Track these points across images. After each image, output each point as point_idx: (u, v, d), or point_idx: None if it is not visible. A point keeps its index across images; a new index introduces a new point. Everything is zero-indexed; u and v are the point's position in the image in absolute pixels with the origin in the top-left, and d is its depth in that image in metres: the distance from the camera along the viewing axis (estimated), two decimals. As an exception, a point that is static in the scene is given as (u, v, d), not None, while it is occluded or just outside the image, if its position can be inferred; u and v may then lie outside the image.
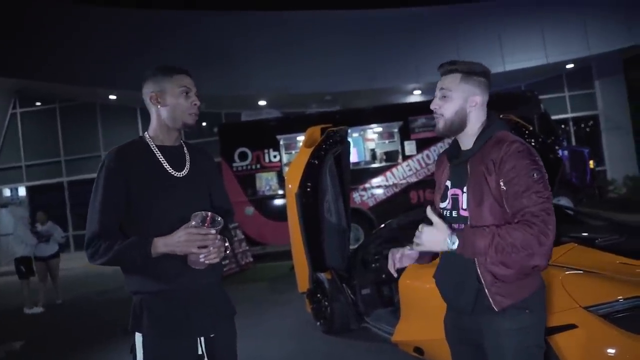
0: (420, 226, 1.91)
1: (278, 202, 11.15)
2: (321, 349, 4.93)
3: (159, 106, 2.01)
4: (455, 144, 2.12)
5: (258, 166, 11.57)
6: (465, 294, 1.99)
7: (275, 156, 11.64)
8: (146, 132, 2.07)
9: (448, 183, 2.08)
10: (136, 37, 15.94)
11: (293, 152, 12.04)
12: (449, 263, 2.11)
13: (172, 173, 2.00)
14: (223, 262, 2.03)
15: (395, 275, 2.18)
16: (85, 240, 1.92)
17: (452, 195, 2.05)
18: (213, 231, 1.86)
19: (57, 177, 18.64)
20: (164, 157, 2.01)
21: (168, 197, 1.96)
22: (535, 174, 1.84)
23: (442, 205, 2.08)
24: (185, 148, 2.10)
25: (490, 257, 1.83)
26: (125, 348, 5.79)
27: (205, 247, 1.85)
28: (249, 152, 11.54)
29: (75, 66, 15.62)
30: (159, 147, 2.02)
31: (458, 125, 2.02)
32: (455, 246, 1.85)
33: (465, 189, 1.99)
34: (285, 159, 11.65)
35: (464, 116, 2.01)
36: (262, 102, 17.59)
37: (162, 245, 1.85)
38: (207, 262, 1.88)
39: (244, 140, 11.54)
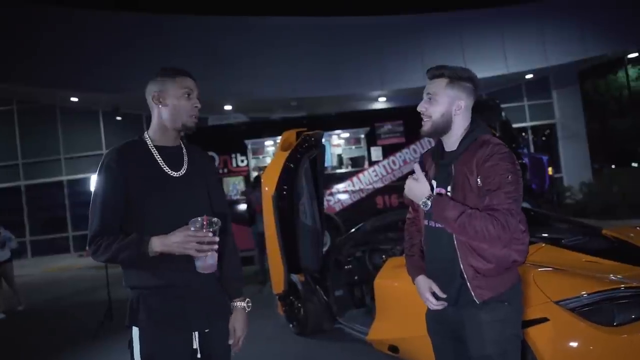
0: (417, 173, 2.12)
1: (245, 206, 11.13)
2: (295, 350, 4.98)
3: (160, 106, 2.04)
4: (439, 145, 2.24)
5: (225, 171, 11.55)
6: (450, 289, 2.12)
7: (242, 161, 11.65)
8: (146, 132, 2.10)
9: (434, 182, 2.19)
10: (99, 40, 15.66)
11: (261, 157, 12.08)
12: (434, 263, 2.23)
13: (169, 173, 2.04)
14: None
15: (439, 305, 2.19)
16: (88, 238, 1.95)
17: (437, 193, 2.16)
18: (210, 234, 1.89)
19: (14, 181, 18.08)
20: (161, 157, 2.04)
21: (164, 197, 2.00)
22: (510, 177, 1.97)
23: None
24: (184, 149, 2.14)
25: (453, 228, 2.02)
26: (92, 354, 5.70)
27: (202, 250, 1.89)
28: (216, 157, 11.50)
29: (35, 67, 15.22)
30: (157, 147, 2.06)
31: (443, 127, 2.14)
32: (427, 208, 2.06)
33: (449, 189, 2.12)
34: (252, 163, 11.68)
35: (449, 119, 2.13)
36: (228, 107, 17.54)
37: (159, 244, 1.88)
38: (213, 264, 1.94)
39: (211, 145, 11.45)
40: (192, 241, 1.86)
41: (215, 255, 1.94)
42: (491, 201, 1.96)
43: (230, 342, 2.18)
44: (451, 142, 2.17)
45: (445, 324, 2.22)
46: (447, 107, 2.12)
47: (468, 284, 2.05)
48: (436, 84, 2.14)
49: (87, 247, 1.97)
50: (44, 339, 6.63)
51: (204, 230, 1.88)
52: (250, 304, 2.25)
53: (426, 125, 2.17)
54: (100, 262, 1.99)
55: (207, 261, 1.92)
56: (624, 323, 2.70)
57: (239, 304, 2.21)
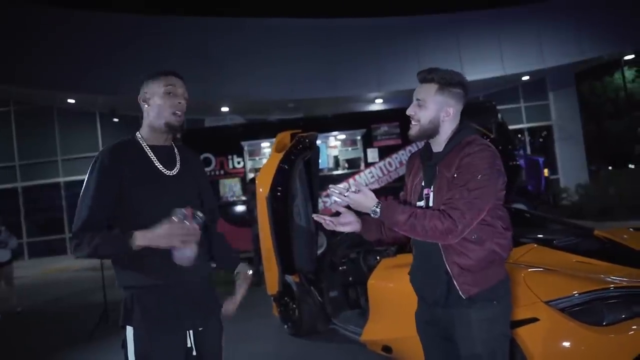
0: (357, 185, 2.11)
1: (241, 208, 11.16)
2: (290, 351, 5.00)
3: (146, 106, 2.08)
4: (428, 147, 2.26)
5: (222, 172, 11.57)
6: (438, 287, 2.14)
7: (239, 162, 11.67)
8: (138, 132, 2.13)
9: (422, 183, 2.21)
10: (96, 41, 15.66)
11: (257, 158, 12.09)
12: (421, 262, 2.26)
13: (163, 171, 2.07)
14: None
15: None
16: (72, 232, 1.96)
17: (425, 194, 2.19)
18: (196, 225, 1.90)
19: (11, 183, 18.06)
20: (155, 156, 2.07)
21: (159, 195, 2.02)
22: (480, 176, 2.00)
23: (419, 204, 2.21)
24: (175, 148, 2.17)
25: (404, 230, 2.06)
26: (87, 355, 5.70)
27: (187, 242, 1.90)
28: (213, 158, 11.52)
29: (33, 68, 15.22)
30: (150, 147, 2.09)
31: (431, 132, 2.17)
32: (376, 215, 2.08)
33: (432, 189, 2.14)
34: (249, 165, 11.70)
35: (437, 125, 2.15)
36: (224, 109, 17.55)
37: (142, 238, 1.88)
38: (191, 256, 1.93)
39: (207, 146, 11.48)
40: (178, 233, 1.87)
41: (195, 248, 1.94)
42: (453, 195, 2.00)
43: (227, 306, 2.25)
44: (438, 143, 2.19)
45: (434, 324, 2.24)
46: (436, 113, 2.13)
47: (454, 280, 2.08)
48: (425, 89, 2.15)
49: (70, 241, 1.98)
50: (39, 340, 6.63)
51: (189, 222, 1.89)
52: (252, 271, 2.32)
53: (414, 130, 2.19)
54: (81, 257, 1.97)
55: (186, 253, 1.92)
56: (613, 323, 2.71)
57: (243, 267, 2.30)
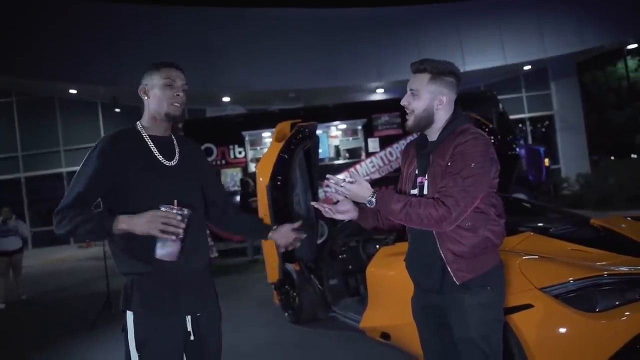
0: (353, 176, 2.16)
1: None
2: (292, 338, 5.05)
3: (146, 98, 2.12)
4: (423, 136, 2.30)
5: (223, 162, 11.62)
6: (433, 274, 2.18)
7: (240, 152, 11.71)
8: (138, 122, 2.16)
9: (417, 171, 2.26)
10: (97, 32, 15.66)
11: (258, 148, 12.14)
12: (416, 249, 2.30)
13: (163, 162, 2.10)
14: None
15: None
16: (56, 208, 1.98)
17: (419, 182, 2.23)
18: (179, 217, 1.89)
19: (14, 173, 18.16)
20: (154, 146, 2.11)
21: (159, 185, 2.05)
22: (473, 164, 2.03)
23: (413, 192, 2.26)
24: (174, 139, 2.20)
25: (400, 219, 2.11)
26: (89, 343, 5.76)
27: (166, 231, 1.89)
28: (214, 148, 11.56)
29: (34, 59, 15.24)
30: (150, 137, 2.12)
31: (426, 121, 2.21)
32: (372, 205, 2.13)
33: (426, 176, 2.19)
34: (250, 155, 11.74)
35: (431, 114, 2.19)
36: (226, 99, 17.57)
37: (124, 221, 1.90)
38: (172, 252, 1.93)
39: (208, 136, 11.53)
40: (158, 221, 1.87)
41: (178, 245, 1.93)
42: (447, 183, 2.04)
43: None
44: (433, 133, 2.23)
45: (430, 310, 2.29)
46: (429, 102, 2.17)
47: (448, 267, 2.12)
48: (418, 79, 2.19)
49: (53, 217, 1.97)
50: (42, 328, 6.71)
51: (174, 211, 1.90)
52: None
53: (410, 120, 2.23)
54: (60, 234, 1.97)
55: (167, 248, 1.92)
56: (607, 309, 2.75)
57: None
